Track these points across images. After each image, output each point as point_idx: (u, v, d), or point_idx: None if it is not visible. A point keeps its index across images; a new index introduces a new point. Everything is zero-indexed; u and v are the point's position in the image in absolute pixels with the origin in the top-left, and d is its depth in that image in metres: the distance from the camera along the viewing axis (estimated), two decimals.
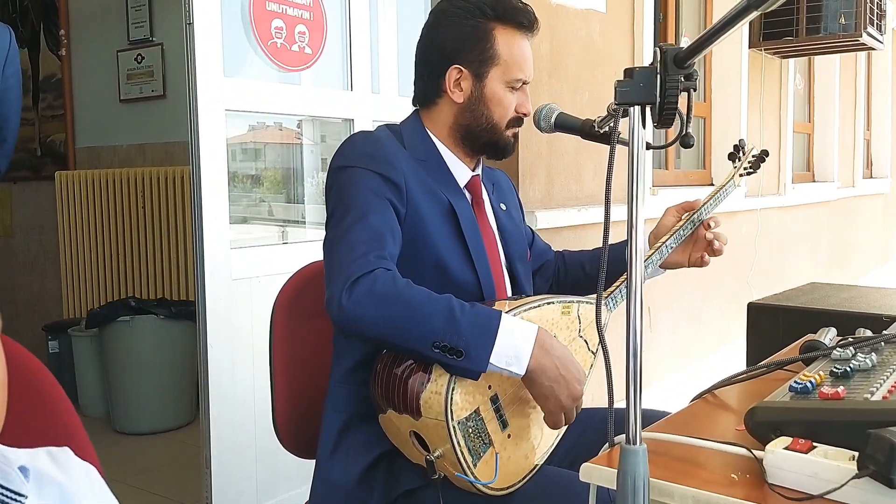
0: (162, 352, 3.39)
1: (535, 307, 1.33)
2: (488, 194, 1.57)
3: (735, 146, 1.75)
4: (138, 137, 4.10)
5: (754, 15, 0.64)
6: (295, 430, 1.55)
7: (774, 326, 2.37)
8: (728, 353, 4.54)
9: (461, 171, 1.48)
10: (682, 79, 0.82)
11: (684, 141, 0.87)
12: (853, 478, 0.82)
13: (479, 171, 1.53)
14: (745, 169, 1.75)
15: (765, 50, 4.79)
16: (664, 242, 1.54)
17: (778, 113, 5.20)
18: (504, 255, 1.53)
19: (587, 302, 1.43)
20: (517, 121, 1.47)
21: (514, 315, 1.27)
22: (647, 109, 0.85)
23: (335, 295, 1.20)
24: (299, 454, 1.56)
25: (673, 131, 0.96)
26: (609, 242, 1.00)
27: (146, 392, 3.41)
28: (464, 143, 1.47)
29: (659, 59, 0.82)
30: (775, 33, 4.64)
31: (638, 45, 3.64)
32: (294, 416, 1.55)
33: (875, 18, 4.86)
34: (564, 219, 3.15)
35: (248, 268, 2.23)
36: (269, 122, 2.92)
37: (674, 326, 4.11)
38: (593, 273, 1.66)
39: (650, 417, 1.32)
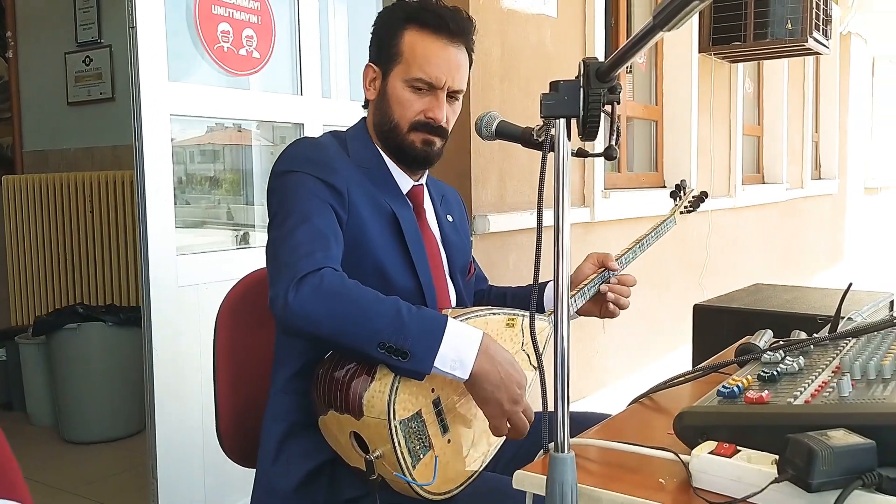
0: (111, 359, 3.33)
1: (480, 317, 1.34)
2: (435, 205, 1.58)
3: (677, 185, 1.86)
4: (87, 141, 4.04)
5: (661, 35, 0.66)
6: (238, 439, 1.54)
7: (719, 328, 2.42)
8: (680, 353, 4.61)
9: (403, 180, 1.49)
10: (607, 92, 0.83)
11: (608, 153, 0.89)
12: (773, 482, 0.84)
13: (422, 181, 1.54)
14: (685, 207, 1.84)
15: (714, 54, 4.88)
16: (573, 296, 1.52)
17: (728, 116, 5.29)
18: (447, 265, 1.54)
19: (540, 318, 1.44)
20: (425, 126, 1.43)
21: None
22: (573, 122, 0.86)
23: (280, 292, 1.19)
24: (243, 463, 1.55)
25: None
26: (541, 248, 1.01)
27: (95, 400, 3.34)
28: (385, 147, 1.48)
29: (582, 72, 0.83)
30: (724, 38, 4.72)
31: (589, 50, 3.68)
32: (238, 425, 1.54)
33: (821, 24, 4.98)
34: (518, 222, 3.18)
35: (195, 274, 2.20)
36: (227, 123, 2.89)
37: (627, 328, 4.16)
38: (514, 305, 1.62)
39: (591, 420, 1.34)
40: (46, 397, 3.57)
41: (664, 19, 0.62)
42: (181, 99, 2.18)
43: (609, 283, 1.57)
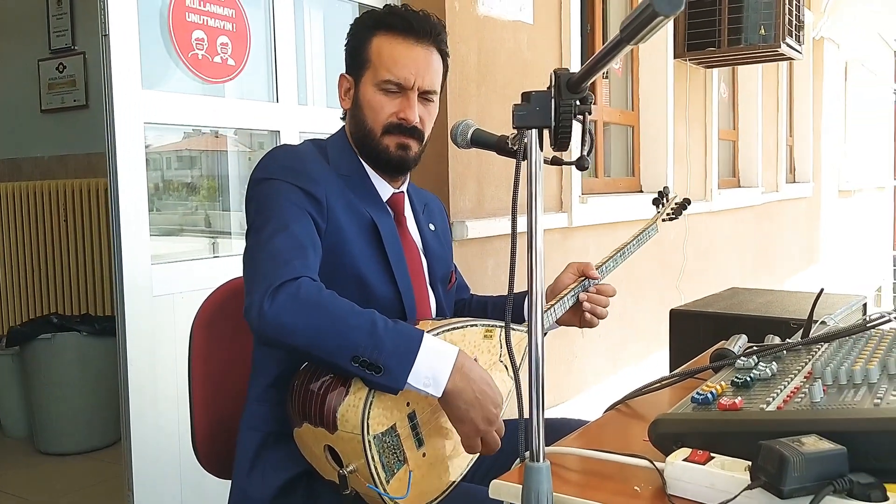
0: (86, 369, 3.30)
1: (458, 328, 1.34)
2: (416, 213, 1.57)
3: (659, 192, 1.86)
4: (60, 148, 4.00)
5: (628, 48, 0.66)
6: (214, 450, 1.53)
7: (695, 332, 2.44)
8: (659, 358, 4.63)
9: (383, 188, 1.49)
10: (578, 102, 0.84)
11: (579, 164, 0.89)
12: (745, 488, 0.84)
13: (403, 188, 1.53)
14: (667, 214, 1.85)
15: (689, 60, 4.92)
16: (552, 306, 1.52)
17: (703, 121, 5.34)
18: (428, 274, 1.54)
19: (519, 329, 1.44)
20: (397, 127, 1.43)
21: (437, 335, 1.27)
22: (545, 132, 0.87)
23: (256, 301, 1.18)
24: (218, 474, 1.55)
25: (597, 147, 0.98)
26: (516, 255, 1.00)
27: (70, 411, 3.31)
28: (363, 156, 1.47)
29: (553, 84, 0.83)
30: (699, 44, 4.76)
31: (566, 56, 3.69)
32: (213, 435, 1.53)
33: (793, 30, 5.03)
34: (496, 228, 3.18)
35: (170, 284, 2.18)
36: (203, 129, 2.86)
37: (606, 332, 4.18)
38: (495, 315, 1.62)
39: (569, 427, 1.34)
40: (21, 408, 3.53)
41: (631, 33, 0.63)
42: (155, 107, 2.16)
43: (588, 292, 1.58)
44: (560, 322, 1.59)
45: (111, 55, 2.04)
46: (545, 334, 1.49)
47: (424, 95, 1.45)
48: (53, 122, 4.05)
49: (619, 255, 1.69)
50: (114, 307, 2.12)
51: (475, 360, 1.29)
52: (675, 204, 1.87)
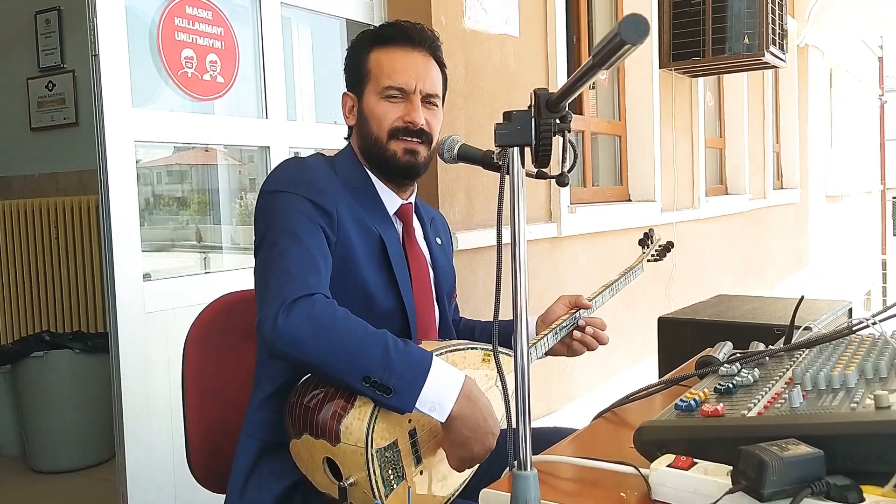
0: (79, 386, 3.29)
1: (459, 350, 1.36)
2: (425, 227, 1.59)
3: (645, 234, 1.92)
4: (51, 166, 4.01)
5: (599, 72, 0.69)
6: (209, 465, 1.55)
7: (683, 339, 2.46)
8: (649, 365, 4.65)
9: (391, 199, 1.51)
10: (558, 121, 0.86)
11: (559, 180, 0.92)
12: (727, 493, 0.87)
13: (411, 199, 1.55)
14: (652, 256, 1.92)
15: (675, 70, 4.97)
16: (545, 335, 1.53)
17: (690, 129, 5.38)
18: (435, 288, 1.56)
19: (508, 353, 1.46)
20: (404, 131, 1.45)
21: (440, 355, 1.29)
22: (527, 149, 0.89)
23: (270, 315, 1.19)
24: (214, 489, 1.56)
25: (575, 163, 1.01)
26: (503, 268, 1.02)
27: (63, 428, 3.30)
28: (372, 168, 1.50)
29: (533, 103, 0.86)
30: (683, 54, 4.81)
31: (552, 68, 3.73)
32: (208, 450, 1.55)
33: (777, 38, 5.09)
34: (486, 239, 3.20)
35: (162, 300, 2.20)
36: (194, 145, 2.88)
37: None
38: (482, 339, 1.65)
39: (559, 436, 1.36)
40: (13, 427, 3.52)
41: (601, 60, 0.66)
42: (145, 125, 2.18)
43: (580, 326, 1.60)
44: (549, 352, 1.59)
45: (101, 74, 2.06)
46: (538, 358, 1.52)
47: (427, 100, 1.48)
48: (43, 140, 4.06)
49: (607, 290, 1.73)
50: (106, 324, 2.13)
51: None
52: (660, 246, 1.94)
